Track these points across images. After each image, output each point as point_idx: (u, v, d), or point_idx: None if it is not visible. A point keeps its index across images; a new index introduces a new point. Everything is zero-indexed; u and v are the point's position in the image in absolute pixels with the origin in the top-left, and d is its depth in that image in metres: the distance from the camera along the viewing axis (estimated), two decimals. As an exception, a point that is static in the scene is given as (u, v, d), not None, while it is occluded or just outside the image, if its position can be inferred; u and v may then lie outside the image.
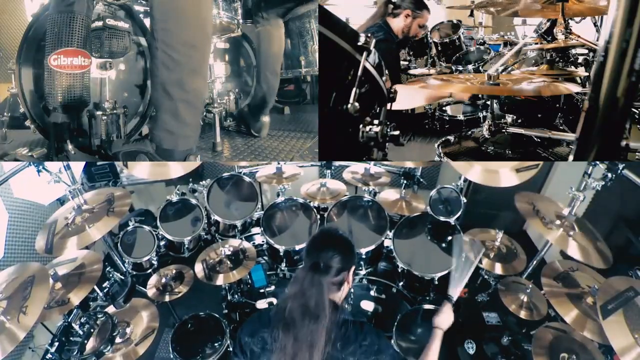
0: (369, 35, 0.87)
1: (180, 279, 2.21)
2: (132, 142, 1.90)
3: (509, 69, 2.16)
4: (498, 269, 2.06)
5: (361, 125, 0.94)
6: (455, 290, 1.50)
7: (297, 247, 2.31)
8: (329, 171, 2.86)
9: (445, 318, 1.40)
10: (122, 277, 1.78)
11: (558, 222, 1.69)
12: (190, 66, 1.75)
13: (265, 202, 3.00)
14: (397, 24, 2.32)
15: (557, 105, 1.85)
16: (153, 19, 1.72)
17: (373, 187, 2.64)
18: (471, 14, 3.29)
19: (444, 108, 2.92)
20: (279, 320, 1.05)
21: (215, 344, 1.98)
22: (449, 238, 2.30)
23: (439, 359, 1.29)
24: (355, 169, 2.79)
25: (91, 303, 1.87)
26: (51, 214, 1.85)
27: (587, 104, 0.77)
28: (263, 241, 2.50)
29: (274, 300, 2.25)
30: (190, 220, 2.49)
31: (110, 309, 1.81)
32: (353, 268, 1.17)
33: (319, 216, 2.48)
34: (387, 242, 2.38)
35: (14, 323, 1.27)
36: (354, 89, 0.86)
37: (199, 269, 2.16)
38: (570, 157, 0.94)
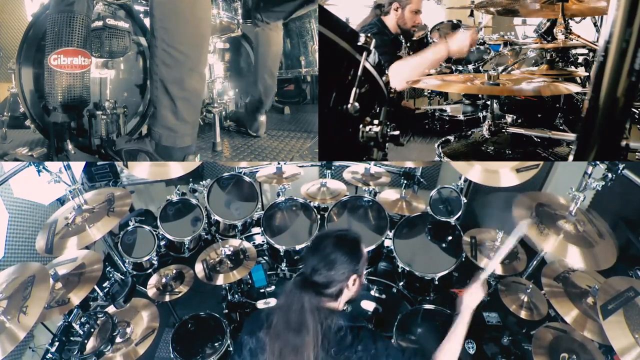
0: (369, 35, 0.87)
1: (181, 278, 2.22)
2: (134, 141, 1.91)
3: (509, 69, 2.16)
4: (498, 269, 2.06)
5: (361, 125, 0.94)
6: (491, 264, 1.40)
7: (298, 247, 2.32)
8: (329, 171, 2.86)
9: (473, 294, 1.25)
10: (122, 277, 1.78)
11: (561, 222, 1.68)
12: (189, 65, 1.78)
13: (266, 202, 3.00)
14: (390, 20, 2.31)
15: (557, 105, 1.85)
16: (153, 17, 1.73)
17: (373, 187, 2.64)
18: (471, 14, 3.29)
19: (444, 108, 2.91)
20: (267, 330, 1.07)
21: (215, 344, 1.98)
22: (449, 238, 2.30)
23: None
24: (355, 169, 2.79)
25: (91, 303, 1.88)
26: (51, 214, 1.85)
27: (587, 104, 0.77)
28: (263, 241, 2.50)
29: (275, 300, 2.25)
30: (191, 220, 2.50)
31: (111, 309, 1.81)
32: (357, 275, 1.11)
33: (319, 216, 2.48)
34: (387, 242, 2.38)
35: (14, 323, 1.27)
36: (354, 89, 0.86)
37: (199, 268, 2.16)
38: (570, 157, 0.93)
